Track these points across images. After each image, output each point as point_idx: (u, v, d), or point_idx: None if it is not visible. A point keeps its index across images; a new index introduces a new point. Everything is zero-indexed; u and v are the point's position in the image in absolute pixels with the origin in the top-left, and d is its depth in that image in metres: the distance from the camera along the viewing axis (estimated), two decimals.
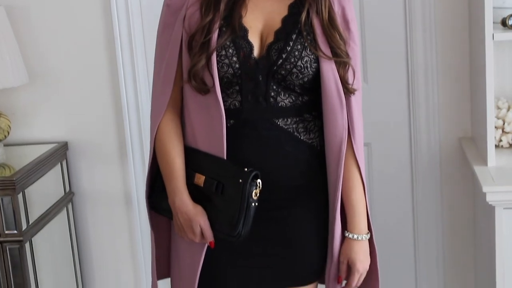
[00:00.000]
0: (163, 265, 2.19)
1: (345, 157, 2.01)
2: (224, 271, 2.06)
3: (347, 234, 2.05)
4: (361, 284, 2.12)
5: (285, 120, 2.01)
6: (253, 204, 1.92)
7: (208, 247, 2.01)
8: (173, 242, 2.14)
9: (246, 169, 1.93)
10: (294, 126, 2.02)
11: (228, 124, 1.98)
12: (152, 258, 2.16)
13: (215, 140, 1.96)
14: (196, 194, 2.00)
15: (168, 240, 2.15)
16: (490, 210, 2.31)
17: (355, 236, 2.05)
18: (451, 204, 2.84)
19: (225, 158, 1.96)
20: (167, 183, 2.01)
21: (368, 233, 2.07)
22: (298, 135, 2.02)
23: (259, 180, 1.93)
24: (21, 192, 2.50)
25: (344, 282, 2.12)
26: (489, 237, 2.38)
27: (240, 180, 1.92)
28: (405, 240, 2.92)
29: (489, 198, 2.26)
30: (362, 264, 2.05)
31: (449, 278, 2.89)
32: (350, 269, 2.07)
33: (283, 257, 2.05)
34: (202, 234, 1.99)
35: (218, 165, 1.96)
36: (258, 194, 1.93)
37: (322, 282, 2.14)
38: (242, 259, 2.05)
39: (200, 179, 1.99)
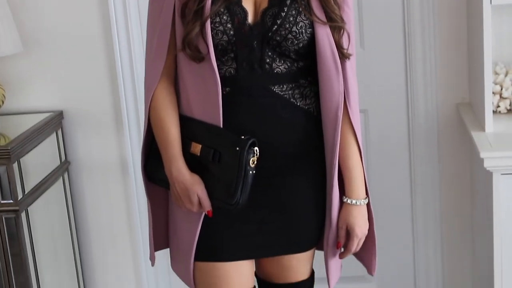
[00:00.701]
0: (160, 235, 2.19)
1: (341, 123, 2.00)
2: (221, 239, 2.06)
3: (345, 200, 2.06)
4: (359, 251, 2.12)
5: (281, 86, 2.00)
6: (250, 172, 1.92)
7: (205, 215, 2.01)
8: (170, 212, 2.14)
9: (243, 137, 1.92)
10: (290, 92, 2.01)
11: (224, 92, 1.97)
12: (149, 230, 2.16)
13: (211, 109, 1.95)
14: (192, 163, 1.99)
15: (165, 209, 2.15)
16: (487, 176, 2.30)
17: (354, 201, 2.05)
18: (449, 170, 2.83)
19: (221, 126, 1.95)
20: (163, 152, 2.00)
21: (366, 198, 2.07)
22: (294, 101, 2.01)
23: (256, 148, 1.93)
24: (16, 162, 2.49)
25: (342, 248, 2.13)
26: (487, 203, 2.37)
27: (237, 148, 1.91)
28: (403, 206, 2.92)
29: (487, 164, 2.25)
30: (360, 229, 2.06)
31: (446, 243, 2.89)
32: (348, 235, 2.07)
33: (281, 224, 2.06)
34: (199, 203, 1.98)
35: (215, 133, 1.95)
36: (255, 162, 1.92)
37: (320, 248, 2.14)
38: (239, 227, 2.04)
39: (196, 148, 1.97)
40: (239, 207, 1.94)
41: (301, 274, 2.15)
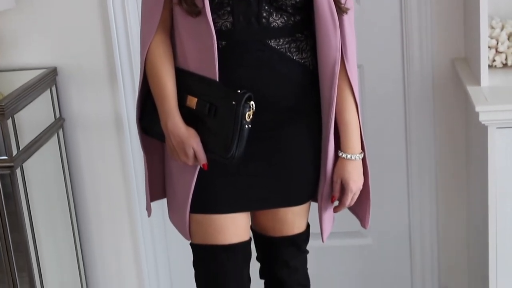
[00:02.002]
0: (156, 186, 2.21)
1: (338, 77, 1.99)
2: (217, 192, 2.07)
3: (340, 154, 2.06)
4: (353, 204, 2.13)
5: (277, 40, 1.99)
6: (246, 126, 1.92)
7: (201, 168, 2.01)
8: (166, 164, 2.14)
9: (239, 91, 1.92)
10: (286, 46, 2.00)
11: (220, 46, 1.97)
12: (145, 181, 2.18)
13: (207, 62, 1.95)
14: (188, 116, 1.99)
15: (161, 162, 2.15)
16: (483, 130, 2.30)
17: (349, 156, 2.06)
18: (444, 124, 2.83)
19: (217, 80, 1.94)
20: (159, 105, 2.00)
21: (361, 152, 2.07)
22: (290, 55, 2.01)
23: (252, 102, 1.93)
24: (10, 118, 2.48)
25: (337, 202, 2.13)
26: (482, 157, 2.38)
27: (233, 102, 1.91)
28: (398, 161, 2.92)
29: (482, 118, 2.25)
30: (355, 183, 2.07)
31: (441, 197, 2.90)
32: (343, 189, 2.08)
33: (276, 177, 2.07)
34: (195, 156, 1.99)
35: (211, 87, 1.95)
36: (251, 116, 1.93)
37: (316, 201, 2.15)
38: (234, 180, 2.06)
39: (192, 101, 1.97)
40: (235, 161, 1.95)
41: (297, 228, 2.17)
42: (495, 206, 2.33)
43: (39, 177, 2.70)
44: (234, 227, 2.11)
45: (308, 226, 2.23)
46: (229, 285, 2.15)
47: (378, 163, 2.87)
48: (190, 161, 2.00)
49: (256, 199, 2.09)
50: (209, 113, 1.95)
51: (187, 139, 1.97)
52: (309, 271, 2.91)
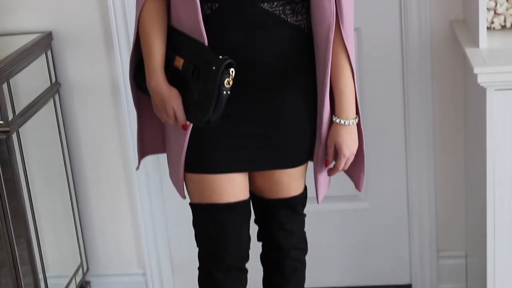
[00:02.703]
0: (148, 142, 2.24)
1: (333, 42, 1.98)
2: (210, 152, 2.09)
3: (334, 119, 2.06)
4: (348, 167, 2.13)
5: (271, 3, 1.98)
6: (224, 92, 1.93)
7: (195, 128, 2.02)
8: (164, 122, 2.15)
9: (220, 57, 1.92)
10: (280, 8, 1.99)
11: (213, 8, 1.97)
12: (137, 136, 2.23)
13: (194, 26, 1.95)
14: (175, 77, 2.00)
15: (155, 118, 2.15)
16: (481, 92, 2.29)
17: (342, 121, 2.05)
18: (442, 87, 2.81)
19: (205, 43, 1.95)
20: (146, 64, 2.03)
21: (356, 118, 2.07)
22: (284, 17, 2.00)
23: (232, 69, 1.93)
24: (6, 82, 2.46)
25: (332, 165, 2.13)
26: (480, 119, 2.37)
27: (213, 68, 1.92)
28: (396, 124, 2.91)
29: (481, 80, 2.23)
30: (348, 148, 2.07)
31: (439, 161, 2.89)
32: (337, 153, 2.08)
33: (270, 139, 2.07)
34: (176, 116, 2.01)
35: (197, 49, 1.96)
36: (230, 83, 1.93)
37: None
38: (229, 140, 2.07)
39: (179, 62, 1.99)
40: (211, 125, 1.97)
41: (293, 190, 2.17)
42: (493, 169, 2.32)
43: (36, 143, 2.69)
44: (231, 187, 2.12)
45: (305, 189, 2.23)
46: (229, 243, 2.17)
47: (376, 128, 2.86)
48: (171, 121, 2.03)
49: (250, 160, 2.10)
50: (193, 75, 1.96)
51: (168, 99, 1.99)
52: (307, 235, 2.92)
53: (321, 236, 3.03)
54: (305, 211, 2.85)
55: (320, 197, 2.18)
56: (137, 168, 2.33)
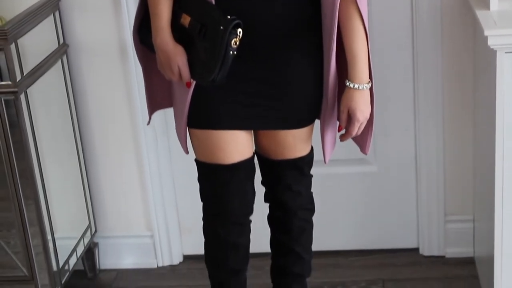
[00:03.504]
0: (156, 97, 2.25)
1: (346, 5, 1.96)
2: (215, 109, 2.10)
3: (348, 84, 2.05)
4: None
5: None
6: (231, 52, 1.93)
7: (198, 84, 2.03)
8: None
9: (229, 17, 1.92)
10: None
11: None
12: (145, 93, 2.24)
13: None
14: (181, 35, 2.00)
15: (160, 74, 2.16)
16: (491, 55, 2.27)
17: (356, 86, 2.04)
18: (452, 49, 2.79)
19: (213, 1, 1.95)
20: (152, 21, 2.03)
21: (369, 82, 2.06)
22: None
23: (240, 30, 1.92)
24: (13, 43, 2.45)
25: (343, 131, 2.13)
26: (490, 82, 2.35)
27: (221, 27, 1.91)
28: (405, 88, 2.89)
29: (491, 42, 2.22)
30: (362, 113, 2.06)
31: (448, 124, 2.88)
32: (350, 118, 2.07)
33: (275, 98, 2.09)
34: (180, 73, 2.02)
35: (205, 8, 1.96)
36: (237, 43, 1.93)
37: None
38: (233, 96, 2.08)
39: (186, 19, 1.98)
40: (216, 84, 1.97)
41: (299, 151, 2.17)
42: (502, 132, 2.32)
43: (44, 104, 2.69)
44: (235, 144, 2.14)
45: (311, 150, 2.23)
46: (232, 203, 2.20)
47: (385, 90, 2.85)
48: (175, 78, 2.04)
49: (255, 119, 2.11)
50: (199, 34, 1.96)
51: (173, 56, 2.00)
52: (315, 199, 2.92)
53: (329, 200, 3.03)
54: (313, 174, 2.85)
55: (327, 158, 2.18)
56: (148, 123, 2.34)
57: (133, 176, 3.05)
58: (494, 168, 2.36)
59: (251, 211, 2.28)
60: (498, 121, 2.30)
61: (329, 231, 3.08)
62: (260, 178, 2.31)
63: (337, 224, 3.07)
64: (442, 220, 2.98)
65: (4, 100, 2.46)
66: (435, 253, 3.03)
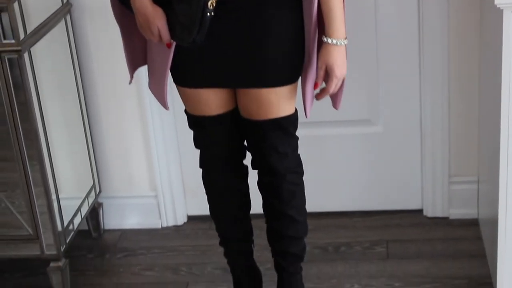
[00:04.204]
0: (138, 55, 2.29)
1: None
2: (193, 66, 2.14)
3: (325, 40, 2.07)
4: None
5: None
6: (208, 14, 1.95)
7: (179, 46, 2.08)
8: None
9: None
10: None
11: None
12: (125, 51, 2.29)
13: None
14: None
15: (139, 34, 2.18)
16: (498, 14, 2.25)
17: (334, 41, 2.07)
18: (458, 9, 2.77)
19: None
20: None
21: (345, 38, 2.07)
22: None
23: None
24: (16, 1, 2.43)
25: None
26: (496, 42, 2.33)
27: None
28: (410, 48, 2.87)
29: (498, 1, 2.19)
30: (340, 69, 2.09)
31: (453, 85, 2.87)
32: (327, 75, 2.09)
33: (253, 55, 2.09)
34: (160, 35, 2.05)
35: None
36: (214, 4, 1.95)
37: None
38: (211, 54, 2.10)
39: None
40: (196, 45, 2.00)
41: (283, 110, 2.17)
42: (508, 92, 2.30)
43: (48, 64, 2.68)
44: (219, 99, 2.20)
45: (296, 111, 2.22)
46: (221, 151, 2.31)
47: (390, 50, 2.84)
48: (155, 39, 2.06)
49: (233, 76, 2.13)
50: None
51: (152, 19, 2.02)
52: (319, 159, 2.93)
53: (333, 161, 3.03)
54: (316, 135, 2.86)
55: (308, 112, 2.20)
56: (130, 82, 2.36)
57: (137, 136, 3.05)
58: (499, 129, 2.34)
59: (243, 155, 2.35)
60: (504, 80, 2.28)
61: (333, 192, 3.08)
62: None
63: (341, 185, 3.07)
64: (446, 181, 2.98)
65: (8, 59, 2.45)
66: (439, 214, 3.04)
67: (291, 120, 2.21)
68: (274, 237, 2.40)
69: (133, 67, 2.31)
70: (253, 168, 2.33)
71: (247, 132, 2.26)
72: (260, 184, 2.34)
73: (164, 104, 2.24)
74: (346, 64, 2.11)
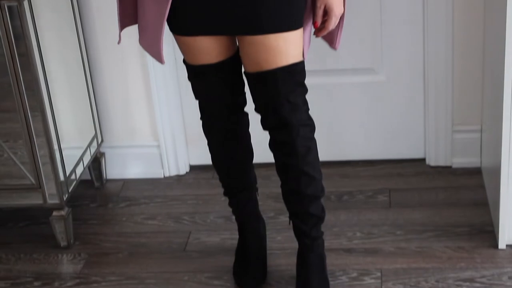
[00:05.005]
0: (126, 14, 2.27)
1: None
2: (189, 13, 2.11)
3: None
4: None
5: None
6: None
7: None
8: None
9: None
10: None
11: None
12: (118, 10, 2.25)
13: None
14: None
15: None
16: None
17: None
18: None
19: None
20: None
21: None
22: None
23: None
24: None
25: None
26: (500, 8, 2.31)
27: None
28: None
29: None
30: (338, 7, 2.10)
31: (457, 34, 2.85)
32: (326, 14, 2.11)
33: (258, 2, 2.06)
34: None
35: None
36: None
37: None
38: (214, 3, 2.08)
39: None
40: None
41: (292, 57, 2.13)
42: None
43: (48, 13, 2.65)
44: (220, 46, 2.17)
45: (303, 60, 2.20)
46: (219, 99, 2.30)
47: (394, 15, 2.81)
48: None
49: (238, 23, 2.09)
50: None
51: None
52: (322, 109, 2.92)
53: (336, 110, 3.02)
54: (319, 84, 2.84)
55: (305, 56, 2.19)
56: (119, 42, 2.33)
57: (139, 85, 3.04)
58: (503, 77, 2.33)
59: (243, 103, 2.35)
60: (509, 29, 2.26)
61: (337, 142, 3.08)
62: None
63: (344, 134, 3.07)
64: (449, 130, 2.98)
65: (8, 7, 2.43)
66: (442, 163, 3.04)
67: (300, 69, 2.18)
68: (293, 199, 2.34)
69: (122, 25, 2.27)
70: (264, 128, 2.26)
71: (256, 90, 2.21)
72: (273, 144, 2.28)
73: (159, 58, 2.18)
74: (345, 2, 2.12)
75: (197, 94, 2.33)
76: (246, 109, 2.37)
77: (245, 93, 2.33)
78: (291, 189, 2.31)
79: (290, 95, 2.16)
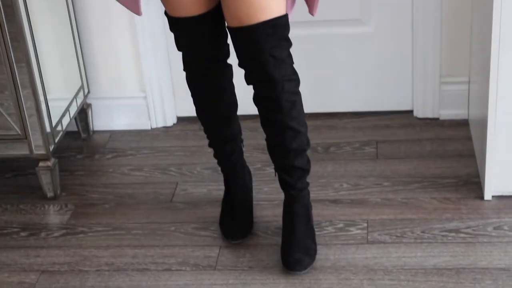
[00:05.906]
0: None
1: None
2: None
3: None
4: None
5: None
6: None
7: None
8: None
9: None
10: None
11: None
12: None
13: None
14: None
15: None
16: None
17: None
18: None
19: None
20: None
21: None
22: None
23: None
24: None
25: None
26: None
27: None
28: None
29: None
30: None
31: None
32: None
33: None
34: None
35: None
36: None
37: None
38: None
39: None
40: None
41: (274, 11, 2.11)
42: (499, 24, 2.28)
43: None
44: None
45: (286, 14, 2.17)
46: (200, 51, 2.28)
47: None
48: None
49: None
50: None
51: None
52: (309, 61, 2.91)
53: (323, 61, 3.01)
54: (306, 35, 2.82)
55: (290, 15, 2.18)
56: None
57: (125, 36, 3.02)
58: (491, 29, 2.32)
59: (226, 54, 2.33)
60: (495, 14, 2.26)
61: (324, 93, 3.07)
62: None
63: (331, 86, 3.06)
64: (437, 81, 2.97)
65: None
66: (429, 115, 3.04)
67: (284, 22, 2.15)
68: (278, 153, 2.33)
69: None
70: (248, 82, 2.24)
71: (239, 45, 2.18)
72: (257, 99, 2.26)
73: (137, 9, 2.18)
74: None
75: (179, 45, 2.31)
76: (229, 60, 2.35)
77: (228, 45, 2.30)
78: (276, 144, 2.31)
79: (274, 50, 2.14)
